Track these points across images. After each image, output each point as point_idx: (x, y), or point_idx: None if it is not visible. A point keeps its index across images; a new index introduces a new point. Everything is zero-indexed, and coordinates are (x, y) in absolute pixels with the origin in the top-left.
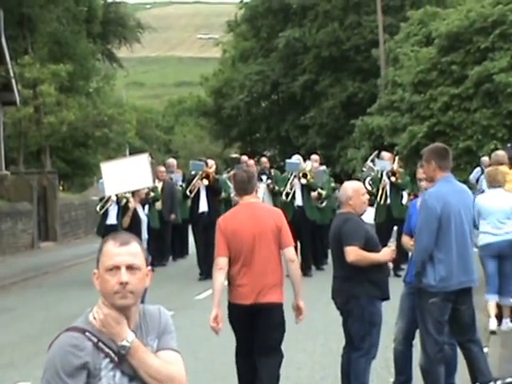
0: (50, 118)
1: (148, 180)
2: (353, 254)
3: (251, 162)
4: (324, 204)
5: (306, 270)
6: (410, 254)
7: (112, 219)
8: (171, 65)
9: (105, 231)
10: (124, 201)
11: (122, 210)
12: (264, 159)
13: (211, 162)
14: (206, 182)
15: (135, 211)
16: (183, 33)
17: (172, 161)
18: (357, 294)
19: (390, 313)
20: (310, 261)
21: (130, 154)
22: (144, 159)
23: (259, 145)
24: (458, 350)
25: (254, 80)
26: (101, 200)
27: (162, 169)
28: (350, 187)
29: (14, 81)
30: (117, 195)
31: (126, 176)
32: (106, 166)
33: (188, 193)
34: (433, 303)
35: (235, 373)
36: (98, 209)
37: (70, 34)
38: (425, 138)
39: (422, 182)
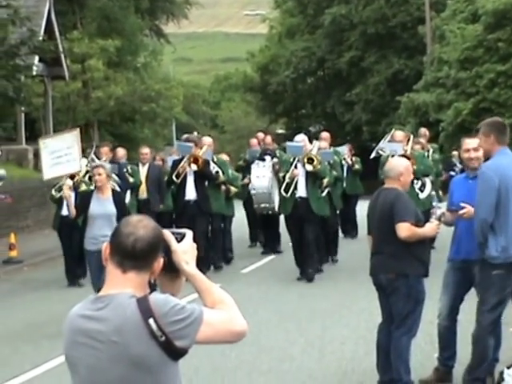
0: (98, 93)
1: (74, 164)
2: (406, 230)
3: (268, 138)
4: (324, 193)
5: (310, 273)
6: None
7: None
8: (218, 41)
9: (60, 223)
10: (83, 186)
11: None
12: (268, 138)
13: (209, 140)
14: (194, 167)
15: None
16: (230, 9)
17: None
18: (406, 272)
19: (435, 288)
20: (316, 261)
21: (177, 129)
22: (73, 137)
23: (304, 121)
24: (503, 328)
25: (300, 56)
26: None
27: (145, 150)
28: (402, 164)
29: (63, 55)
30: (73, 178)
31: (59, 156)
32: (45, 143)
33: (174, 178)
34: (496, 274)
35: (279, 345)
36: (53, 194)
37: (119, 10)
38: (470, 114)
39: (467, 154)
